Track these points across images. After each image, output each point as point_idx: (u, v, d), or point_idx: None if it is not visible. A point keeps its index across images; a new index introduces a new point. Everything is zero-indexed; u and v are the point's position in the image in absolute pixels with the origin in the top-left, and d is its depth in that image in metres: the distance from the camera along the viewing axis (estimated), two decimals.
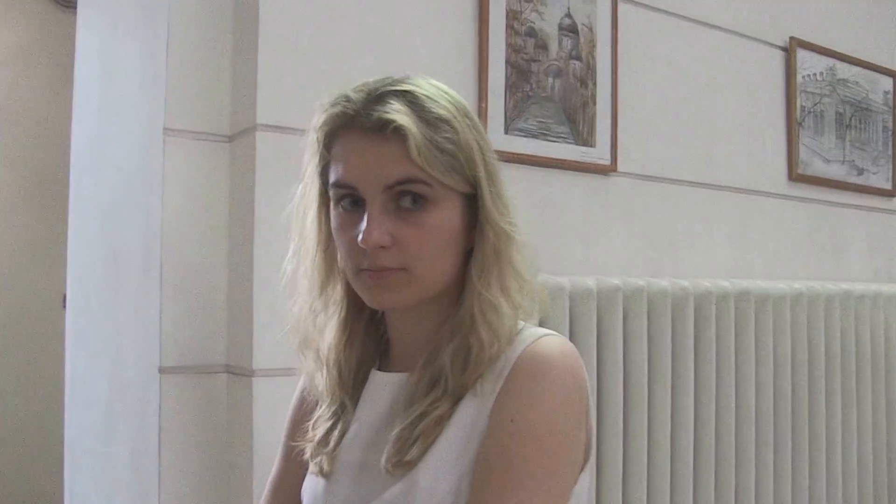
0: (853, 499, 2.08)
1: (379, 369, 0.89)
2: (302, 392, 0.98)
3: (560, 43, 1.72)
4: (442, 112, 0.79)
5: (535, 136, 1.68)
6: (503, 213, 0.82)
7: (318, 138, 0.83)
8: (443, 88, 0.83)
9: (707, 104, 2.02)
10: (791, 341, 1.92)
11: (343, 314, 0.87)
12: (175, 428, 1.37)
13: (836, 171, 2.34)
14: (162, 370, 1.36)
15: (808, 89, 2.27)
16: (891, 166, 2.51)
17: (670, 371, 1.67)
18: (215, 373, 1.41)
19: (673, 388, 1.68)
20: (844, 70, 2.37)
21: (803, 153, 2.24)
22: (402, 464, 0.77)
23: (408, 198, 0.78)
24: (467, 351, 0.79)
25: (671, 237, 1.92)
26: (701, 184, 1.97)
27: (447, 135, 0.78)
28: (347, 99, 0.79)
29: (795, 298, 1.95)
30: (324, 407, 0.90)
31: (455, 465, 0.76)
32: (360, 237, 0.76)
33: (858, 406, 2.11)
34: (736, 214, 2.07)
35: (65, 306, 1.84)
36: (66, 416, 1.77)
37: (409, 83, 0.80)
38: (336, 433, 0.86)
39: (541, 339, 0.80)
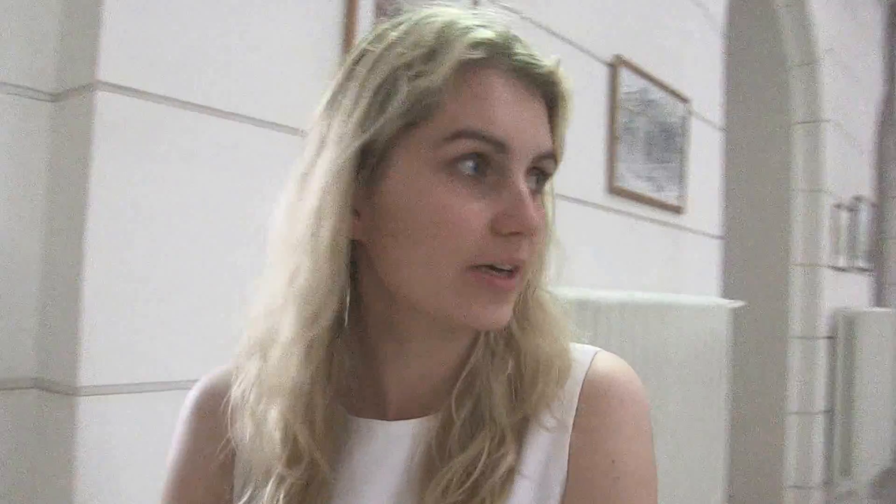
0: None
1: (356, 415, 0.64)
2: (214, 439, 0.65)
3: None
4: (571, 84, 0.63)
5: None
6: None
7: (420, 62, 0.55)
8: None
9: None
10: (618, 347, 1.94)
11: (330, 336, 0.60)
12: None
13: (644, 186, 2.43)
14: None
15: (627, 106, 2.32)
16: (680, 185, 2.66)
17: None
18: (21, 389, 1.09)
19: None
20: (654, 92, 2.47)
21: (619, 167, 2.30)
22: None
23: (534, 176, 0.60)
24: (521, 374, 0.61)
25: None
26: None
27: (571, 112, 0.62)
28: (495, 30, 0.57)
29: (622, 307, 1.97)
30: (275, 473, 0.60)
31: None
32: (513, 217, 0.55)
33: (670, 409, 2.20)
34: (562, 222, 2.05)
35: None
36: None
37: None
38: None
39: (598, 355, 0.64)
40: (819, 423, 4.05)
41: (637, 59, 2.35)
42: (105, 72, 1.07)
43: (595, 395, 0.61)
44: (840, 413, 4.28)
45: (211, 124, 1.20)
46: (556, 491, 0.59)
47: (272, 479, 0.60)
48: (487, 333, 0.63)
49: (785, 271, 3.99)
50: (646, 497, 0.59)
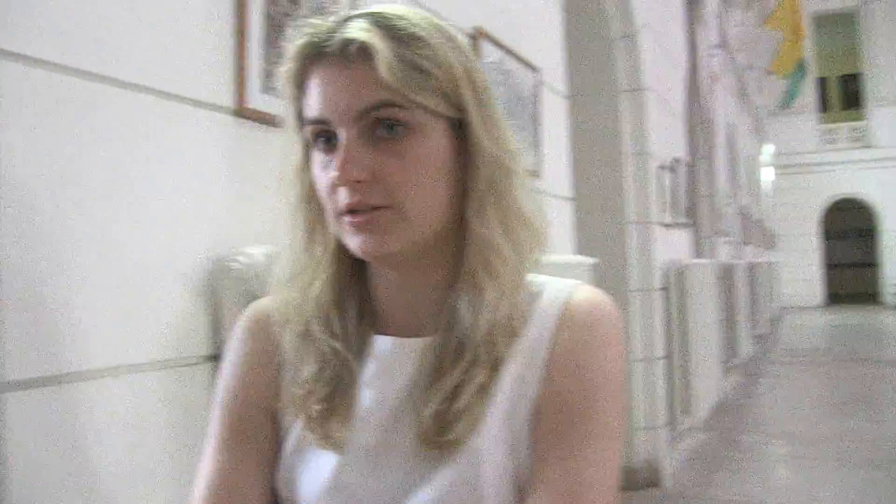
0: None
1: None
2: (257, 351, 0.80)
3: None
4: (414, 29, 0.69)
5: None
6: (498, 140, 0.74)
7: (288, 78, 0.72)
8: (421, 13, 0.73)
9: None
10: None
11: (331, 273, 0.76)
12: None
13: None
14: None
15: (490, 73, 2.36)
16: (537, 151, 2.75)
17: None
18: None
19: None
20: (509, 62, 2.53)
21: None
22: (448, 443, 0.68)
23: (384, 126, 0.68)
24: (494, 304, 0.71)
25: None
26: None
27: (422, 51, 0.68)
28: (312, 27, 0.71)
29: None
30: (310, 369, 0.75)
31: (505, 429, 0.70)
32: (335, 173, 0.67)
33: None
34: None
35: None
36: None
37: (380, 6, 0.71)
38: (343, 402, 0.73)
39: (580, 287, 0.76)
40: (660, 368, 4.36)
41: (494, 32, 2.39)
42: (4, 39, 0.95)
43: (572, 318, 0.72)
44: (677, 357, 4.63)
45: (113, 96, 1.10)
46: (527, 399, 0.70)
47: (313, 377, 0.74)
48: (463, 266, 0.72)
49: (622, 229, 4.23)
50: (609, 402, 0.70)
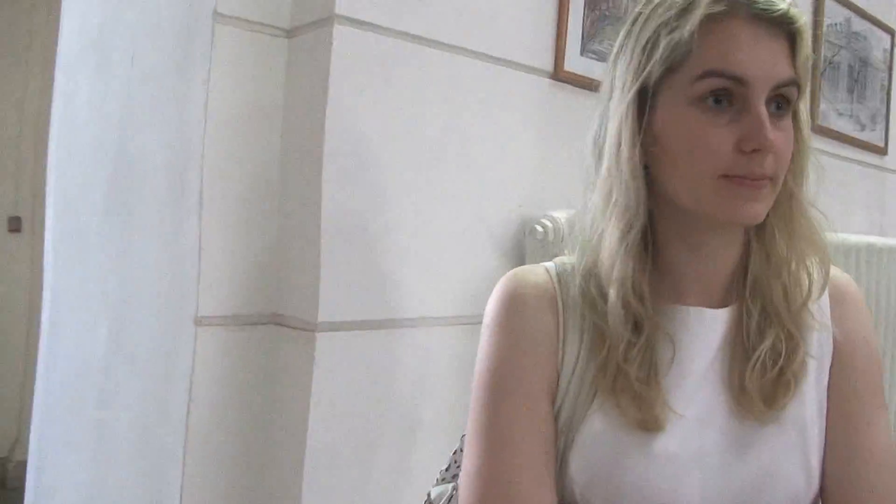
0: None
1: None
2: (537, 325, 0.75)
3: None
4: (805, 20, 0.71)
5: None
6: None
7: (701, 16, 0.67)
8: None
9: None
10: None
11: (641, 240, 0.72)
12: (208, 392, 1.05)
13: (845, 125, 2.19)
14: (199, 321, 1.04)
15: (830, 39, 2.09)
16: (884, 125, 2.39)
17: None
18: (263, 324, 1.09)
19: None
20: (857, 23, 2.21)
21: (822, 104, 2.07)
22: (779, 406, 0.72)
23: (777, 103, 0.68)
24: (798, 279, 0.74)
25: None
26: None
27: (808, 43, 0.71)
28: None
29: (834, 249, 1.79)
30: (621, 343, 0.71)
31: (815, 395, 0.75)
32: (752, 138, 0.66)
33: None
34: None
35: (11, 229, 1.43)
36: (40, 367, 1.40)
37: None
38: (657, 376, 0.71)
39: (832, 269, 0.77)
40: None
41: None
42: (342, 5, 1.03)
43: (842, 296, 0.78)
44: None
45: (442, 59, 1.14)
46: (827, 363, 0.76)
47: (622, 344, 0.71)
48: (761, 238, 0.74)
49: None
50: (881, 374, 0.79)
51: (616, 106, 0.71)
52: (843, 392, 0.76)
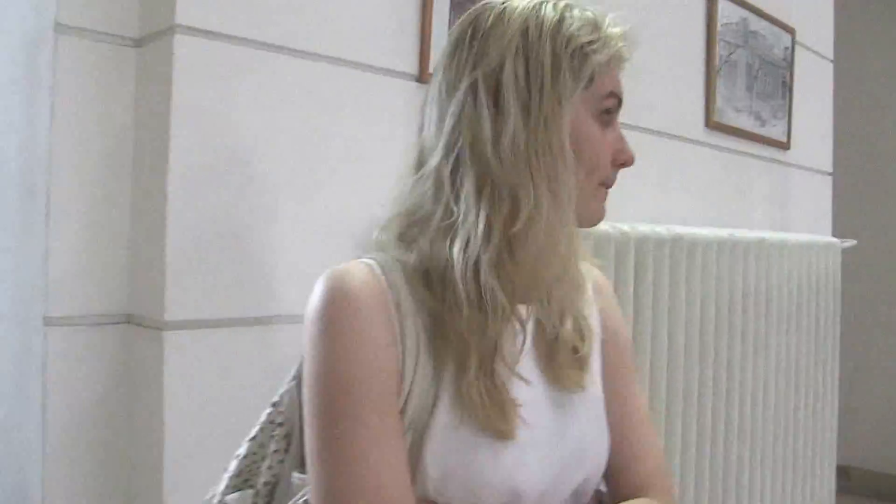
0: (765, 429, 2.02)
1: None
2: (381, 319, 0.75)
3: None
4: None
5: None
6: None
7: (587, 45, 0.75)
8: None
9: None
10: (715, 286, 1.81)
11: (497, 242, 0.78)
12: (63, 391, 1.06)
13: (745, 121, 2.24)
14: (48, 321, 1.05)
15: (726, 38, 2.14)
16: (787, 120, 2.44)
17: None
18: (115, 324, 1.10)
19: None
20: (755, 22, 2.26)
21: (718, 101, 2.12)
22: (584, 383, 0.81)
23: None
24: (577, 272, 0.81)
25: None
26: (628, 125, 1.78)
27: None
28: (615, 25, 0.79)
29: (721, 245, 1.83)
30: (464, 335, 0.72)
31: (598, 371, 0.87)
32: (626, 154, 0.79)
33: (777, 346, 2.06)
34: (660, 159, 1.92)
35: None
36: None
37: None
38: (495, 369, 0.74)
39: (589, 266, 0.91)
40: None
41: None
42: (183, 15, 1.04)
43: (601, 288, 0.92)
44: None
45: (289, 65, 1.16)
46: (599, 344, 0.87)
47: (465, 337, 0.71)
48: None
49: None
50: (632, 347, 0.97)
51: (517, 107, 0.72)
52: (614, 366, 0.88)
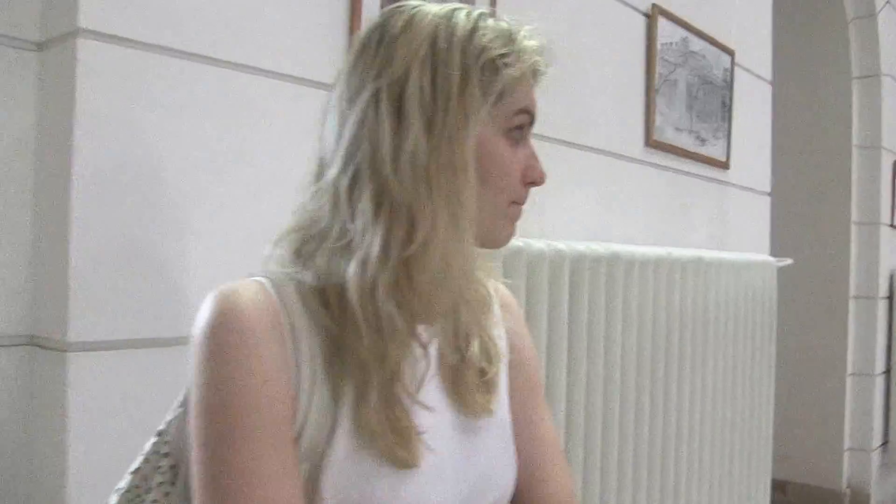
0: (703, 449, 2.02)
1: None
2: (274, 350, 0.70)
3: None
4: None
5: None
6: None
7: (499, 58, 0.70)
8: None
9: (573, 64, 1.83)
10: (652, 304, 1.80)
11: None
12: None
13: (685, 140, 2.25)
14: None
15: (666, 57, 2.14)
16: (726, 139, 2.46)
17: (545, 334, 1.48)
18: (16, 346, 1.03)
19: (548, 349, 1.49)
20: (695, 43, 2.28)
21: (658, 120, 2.12)
22: (491, 406, 0.78)
23: None
24: (482, 291, 0.79)
25: (540, 196, 1.72)
26: (569, 143, 1.77)
27: None
28: (531, 38, 0.74)
29: (658, 263, 1.82)
30: (365, 360, 0.68)
31: (505, 393, 0.83)
32: (537, 172, 0.75)
33: (714, 363, 2.06)
34: (600, 177, 1.91)
35: None
36: None
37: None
38: (396, 394, 0.70)
39: (497, 284, 0.88)
40: (878, 385, 3.79)
41: (676, 9, 2.16)
42: (86, 19, 0.98)
43: (508, 305, 0.88)
44: None
45: (201, 72, 1.10)
46: (506, 365, 0.83)
47: (367, 361, 0.67)
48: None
49: (844, 230, 3.72)
50: (540, 367, 0.98)
51: (420, 121, 0.66)
52: (522, 388, 0.84)
